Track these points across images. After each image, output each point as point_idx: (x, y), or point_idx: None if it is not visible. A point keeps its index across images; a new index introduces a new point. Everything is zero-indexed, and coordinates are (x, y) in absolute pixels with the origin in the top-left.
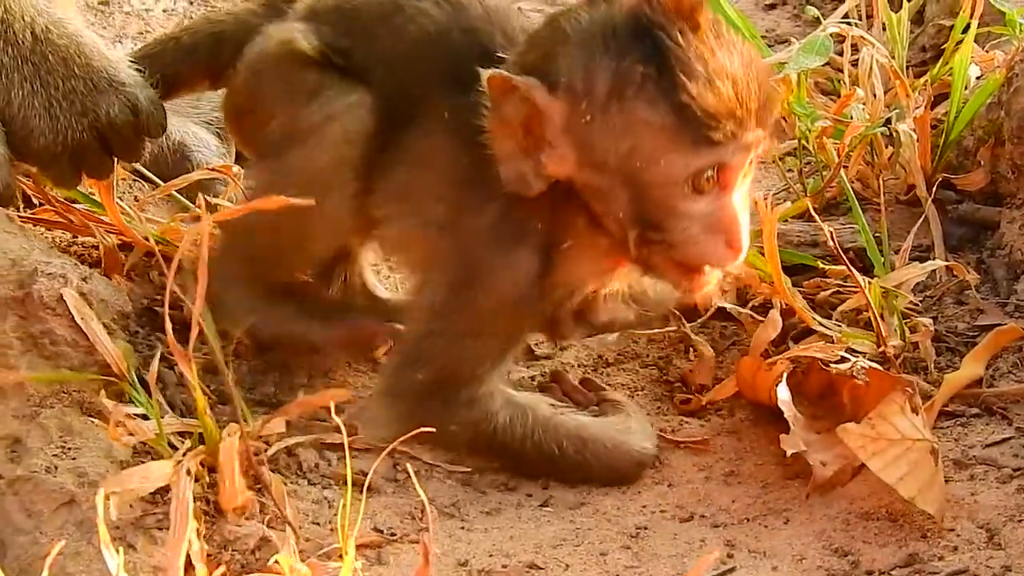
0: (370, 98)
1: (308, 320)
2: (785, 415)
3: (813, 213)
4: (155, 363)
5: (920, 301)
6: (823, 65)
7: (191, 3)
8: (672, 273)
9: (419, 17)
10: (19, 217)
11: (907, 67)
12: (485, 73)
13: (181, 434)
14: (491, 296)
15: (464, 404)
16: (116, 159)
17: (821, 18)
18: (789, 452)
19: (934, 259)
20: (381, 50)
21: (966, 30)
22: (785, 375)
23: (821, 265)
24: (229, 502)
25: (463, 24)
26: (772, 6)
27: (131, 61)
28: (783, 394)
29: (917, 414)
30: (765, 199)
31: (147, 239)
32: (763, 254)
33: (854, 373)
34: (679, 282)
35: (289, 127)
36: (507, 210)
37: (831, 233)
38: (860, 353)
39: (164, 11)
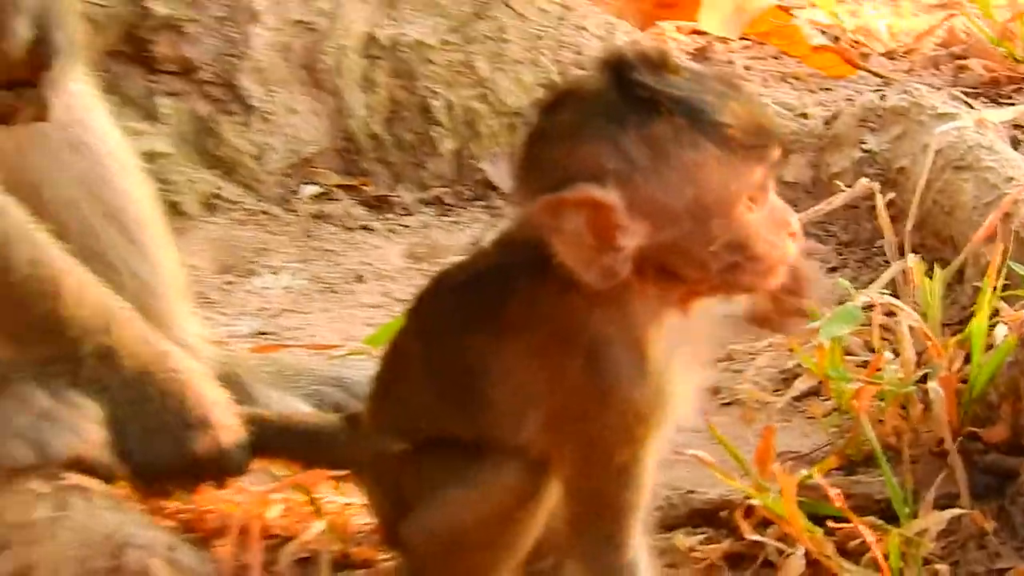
0: (494, 470)
1: None
2: None
3: (819, 479)
4: None
5: (944, 546)
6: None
7: (309, 280)
8: (756, 283)
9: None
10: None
11: (945, 326)
12: (538, 204)
13: None
14: (618, 406)
15: (622, 548)
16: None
17: (852, 291)
18: None
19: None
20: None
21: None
22: None
23: (829, 524)
24: None
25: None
26: None
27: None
28: None
29: None
30: (781, 463)
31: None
32: None
33: None
34: (762, 287)
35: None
36: (592, 343)
37: (838, 494)
38: None
39: (284, 288)
